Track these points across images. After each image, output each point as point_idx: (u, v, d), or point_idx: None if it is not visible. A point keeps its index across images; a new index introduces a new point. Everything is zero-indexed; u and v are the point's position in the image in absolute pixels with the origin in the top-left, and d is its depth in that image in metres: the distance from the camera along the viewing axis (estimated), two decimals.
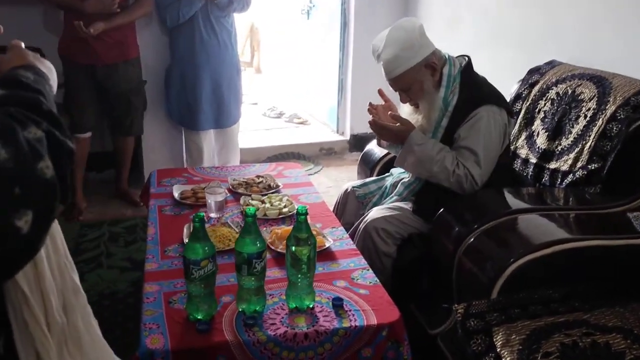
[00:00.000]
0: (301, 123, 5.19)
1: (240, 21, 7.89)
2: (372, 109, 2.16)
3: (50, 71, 0.77)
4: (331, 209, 2.41)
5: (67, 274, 0.82)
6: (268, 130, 4.94)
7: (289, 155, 4.32)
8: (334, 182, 3.95)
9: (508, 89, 2.52)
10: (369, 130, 2.22)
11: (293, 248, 1.40)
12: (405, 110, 2.17)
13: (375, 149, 2.57)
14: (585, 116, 2.01)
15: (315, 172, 4.09)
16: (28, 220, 0.51)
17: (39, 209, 0.53)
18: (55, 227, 0.81)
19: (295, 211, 1.98)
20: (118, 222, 3.11)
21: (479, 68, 2.14)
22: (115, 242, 2.88)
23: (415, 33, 1.97)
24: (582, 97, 2.07)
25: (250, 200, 2.07)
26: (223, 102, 3.25)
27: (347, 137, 4.50)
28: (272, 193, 2.17)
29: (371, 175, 2.51)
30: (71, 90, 3.07)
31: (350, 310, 1.46)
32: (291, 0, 5.65)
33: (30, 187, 0.52)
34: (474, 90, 2.01)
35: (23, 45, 0.78)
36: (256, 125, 5.10)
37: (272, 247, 1.73)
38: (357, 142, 4.37)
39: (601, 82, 2.05)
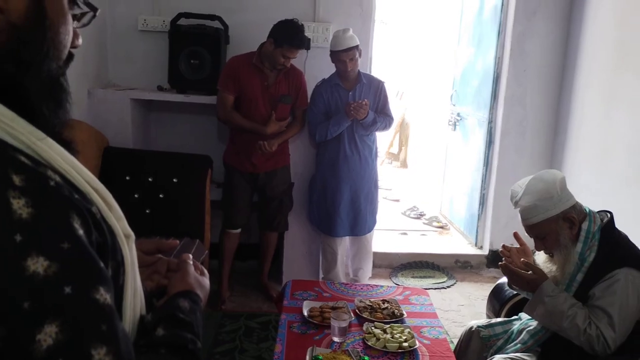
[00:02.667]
0: (440, 227, 5.21)
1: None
2: (505, 251, 2.17)
3: (203, 289, 0.95)
4: (456, 340, 2.42)
5: None
6: (404, 234, 5.02)
7: (423, 264, 4.35)
8: (467, 299, 3.89)
9: None
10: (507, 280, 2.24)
11: None
12: (541, 258, 2.16)
13: (506, 284, 2.54)
14: None
15: (448, 286, 4.06)
16: None
17: None
18: None
19: (415, 346, 2.06)
20: (254, 316, 3.37)
21: (627, 205, 2.05)
22: (250, 337, 3.12)
23: (556, 185, 1.99)
24: None
25: (372, 328, 2.16)
26: (360, 213, 3.46)
27: (485, 252, 4.43)
28: (395, 322, 2.25)
29: (500, 312, 2.48)
30: (230, 192, 3.49)
31: None
32: (440, 108, 5.85)
33: None
34: (614, 249, 1.95)
35: (191, 260, 0.99)
36: (395, 224, 5.23)
37: None
38: (496, 258, 4.27)
39: None
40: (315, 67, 3.55)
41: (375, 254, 4.18)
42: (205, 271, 1.01)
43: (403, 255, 4.39)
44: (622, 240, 1.99)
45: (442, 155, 5.54)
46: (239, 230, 3.57)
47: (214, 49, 3.56)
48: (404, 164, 8.45)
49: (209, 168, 3.38)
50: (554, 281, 2.00)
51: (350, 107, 3.19)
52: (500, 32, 4.14)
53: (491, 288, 2.74)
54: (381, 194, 6.39)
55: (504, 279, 2.60)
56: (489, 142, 4.35)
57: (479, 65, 4.56)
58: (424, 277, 4.14)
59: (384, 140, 8.78)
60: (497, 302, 2.51)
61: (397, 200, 6.32)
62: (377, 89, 3.39)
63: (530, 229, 2.03)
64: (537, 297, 1.97)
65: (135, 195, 3.18)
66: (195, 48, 3.55)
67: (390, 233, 4.95)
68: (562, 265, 2.00)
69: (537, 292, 1.97)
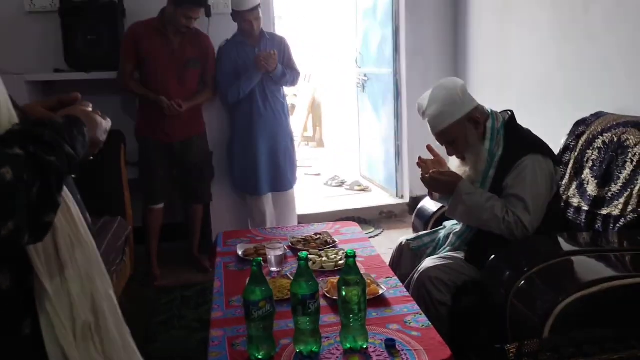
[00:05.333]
0: (362, 190, 5.33)
1: (302, 98, 8.40)
2: (421, 162, 2.27)
3: (92, 120, 0.95)
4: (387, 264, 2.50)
5: (99, 282, 0.96)
6: (329, 197, 5.10)
7: (349, 220, 4.44)
8: (394, 243, 3.98)
9: (557, 142, 2.58)
10: (426, 194, 2.35)
11: (343, 291, 1.51)
12: (454, 164, 2.27)
13: (427, 204, 2.67)
14: (632, 161, 2.05)
15: (376, 235, 4.18)
16: None
17: None
18: (89, 241, 0.95)
19: None
20: (189, 287, 3.30)
21: (527, 124, 2.21)
22: (187, 305, 3.06)
23: (457, 90, 2.11)
24: (628, 143, 2.11)
25: (308, 255, 2.19)
26: (279, 168, 3.51)
27: (407, 200, 4.59)
28: (329, 248, 2.29)
29: (426, 229, 2.59)
30: (146, 166, 3.39)
31: (402, 350, 1.52)
32: (348, 75, 5.98)
33: None
34: (518, 141, 2.09)
35: (90, 107, 0.98)
36: (318, 194, 5.30)
37: (328, 295, 1.83)
38: (417, 204, 4.41)
39: None
40: (218, 35, 3.50)
41: (302, 216, 4.23)
42: (108, 118, 1.01)
43: (329, 214, 4.45)
44: (525, 132, 2.15)
45: (356, 121, 5.67)
46: (161, 205, 3.48)
47: (111, 23, 3.44)
48: (321, 143, 8.54)
49: (122, 142, 3.27)
50: (469, 180, 2.12)
51: (260, 58, 3.21)
52: None
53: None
54: (302, 172, 6.48)
55: (423, 203, 2.73)
56: (397, 95, 4.51)
57: (377, 24, 4.71)
58: None
59: (298, 124, 8.86)
60: (422, 220, 2.62)
61: (318, 175, 6.39)
62: (280, 44, 3.43)
63: (440, 136, 2.14)
64: (456, 198, 2.08)
65: None
66: (90, 23, 3.42)
67: (315, 199, 5.02)
68: (475, 164, 2.12)
69: (456, 192, 2.08)
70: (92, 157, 0.98)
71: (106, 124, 1.01)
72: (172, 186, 3.53)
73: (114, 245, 2.85)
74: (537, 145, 2.08)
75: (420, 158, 2.27)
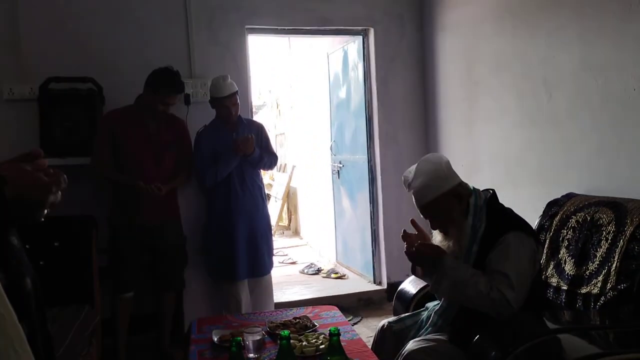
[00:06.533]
0: (339, 277, 5.26)
1: (277, 188, 8.47)
2: (406, 236, 2.26)
3: (26, 180, 0.90)
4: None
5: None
6: (306, 285, 5.01)
7: None
8: (374, 331, 3.90)
9: (531, 224, 2.61)
10: (405, 279, 2.32)
11: None
12: (437, 238, 2.27)
13: (408, 287, 2.64)
14: (607, 239, 2.09)
15: (355, 323, 4.07)
16: None
17: None
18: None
19: None
20: None
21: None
22: None
23: (442, 165, 2.16)
24: (601, 222, 2.16)
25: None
26: (258, 251, 3.46)
27: (385, 286, 4.53)
28: (309, 332, 2.22)
29: (407, 312, 2.54)
30: (117, 253, 3.30)
31: None
32: (323, 163, 6.09)
33: None
34: (501, 218, 2.11)
35: (43, 164, 0.95)
36: (294, 282, 5.21)
37: None
38: (395, 290, 4.37)
39: (617, 207, 2.16)
40: (196, 122, 3.57)
41: (278, 304, 4.12)
42: (61, 178, 0.97)
43: (306, 302, 4.33)
44: (508, 210, 2.17)
45: (331, 208, 5.70)
46: (131, 294, 3.35)
47: (89, 110, 3.49)
48: (296, 232, 8.53)
49: (93, 228, 3.20)
50: (453, 255, 2.11)
51: (237, 142, 3.26)
52: (366, 79, 4.50)
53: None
54: (278, 260, 6.40)
55: (403, 285, 2.70)
56: (372, 181, 4.58)
57: (351, 115, 4.88)
58: None
59: (273, 213, 8.85)
60: (402, 303, 2.58)
61: (294, 263, 6.32)
62: (257, 130, 3.51)
63: (424, 209, 2.15)
64: (440, 272, 2.06)
65: None
66: (68, 110, 3.46)
67: (292, 286, 4.92)
68: (458, 238, 2.12)
69: (440, 267, 2.06)
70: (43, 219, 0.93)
71: (51, 182, 0.94)
72: (143, 274, 3.40)
73: (81, 335, 2.70)
74: (520, 223, 2.10)
75: (404, 231, 2.26)
